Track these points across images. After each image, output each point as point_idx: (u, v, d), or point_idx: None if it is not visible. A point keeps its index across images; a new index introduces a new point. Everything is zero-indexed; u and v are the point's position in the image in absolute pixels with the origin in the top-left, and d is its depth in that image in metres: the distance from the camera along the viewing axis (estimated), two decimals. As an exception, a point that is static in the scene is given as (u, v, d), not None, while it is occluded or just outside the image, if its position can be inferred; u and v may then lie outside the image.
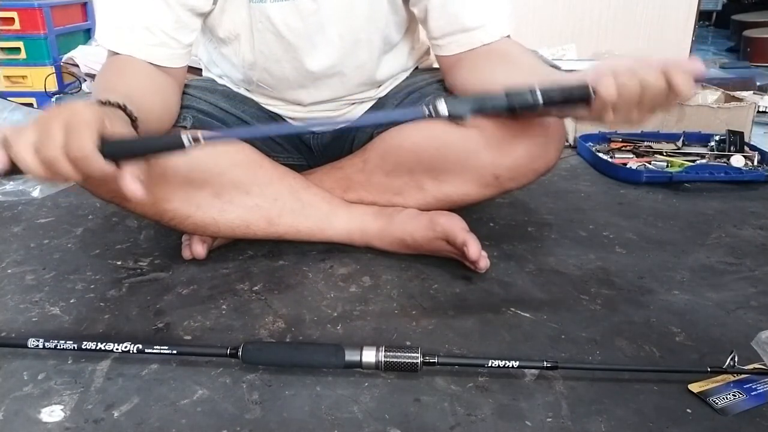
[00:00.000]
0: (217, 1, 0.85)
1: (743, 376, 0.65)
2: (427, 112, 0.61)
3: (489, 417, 0.60)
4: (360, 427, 0.59)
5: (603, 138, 1.48)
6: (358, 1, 0.86)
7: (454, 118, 0.62)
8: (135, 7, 0.79)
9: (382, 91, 0.99)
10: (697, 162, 1.35)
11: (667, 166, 1.34)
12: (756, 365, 0.66)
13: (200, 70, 1.07)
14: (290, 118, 1.00)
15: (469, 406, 0.62)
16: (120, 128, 0.61)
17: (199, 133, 0.60)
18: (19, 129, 0.57)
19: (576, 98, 0.61)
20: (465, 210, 0.92)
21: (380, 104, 0.99)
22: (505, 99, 0.61)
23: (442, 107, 0.61)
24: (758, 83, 1.98)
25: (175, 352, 0.67)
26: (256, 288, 0.85)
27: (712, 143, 1.40)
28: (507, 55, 0.83)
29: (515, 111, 0.62)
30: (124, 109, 0.65)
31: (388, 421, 0.60)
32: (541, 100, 0.61)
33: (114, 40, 0.79)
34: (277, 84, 0.93)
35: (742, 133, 1.40)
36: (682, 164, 1.33)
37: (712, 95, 1.62)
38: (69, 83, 1.82)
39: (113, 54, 0.81)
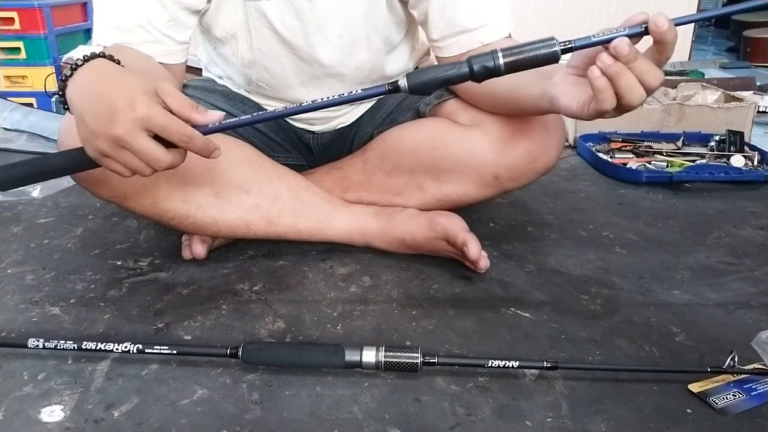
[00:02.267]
0: None
1: (743, 376, 0.65)
2: (387, 88, 0.61)
3: (489, 417, 0.60)
4: (360, 427, 0.59)
5: (603, 138, 1.48)
6: (355, 1, 0.86)
7: (415, 90, 0.61)
8: (130, 7, 0.79)
9: (382, 91, 0.99)
10: (697, 162, 1.35)
11: (667, 166, 1.34)
12: (756, 365, 0.66)
13: (200, 70, 1.07)
14: (291, 118, 1.00)
15: (469, 406, 0.62)
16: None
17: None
18: (122, 157, 0.61)
19: (542, 57, 0.58)
20: (465, 210, 0.92)
21: (380, 103, 0.99)
22: (467, 65, 0.60)
23: (402, 81, 0.60)
24: (758, 83, 1.98)
25: (175, 352, 0.67)
26: (256, 288, 0.85)
27: (712, 143, 1.40)
28: None
29: (477, 77, 0.60)
30: (110, 58, 0.66)
31: (388, 421, 0.60)
32: (502, 62, 0.58)
33: (110, 38, 0.79)
34: (277, 83, 0.93)
35: (742, 133, 1.40)
36: (682, 164, 1.33)
37: (712, 95, 1.62)
38: (69, 83, 1.81)
39: None
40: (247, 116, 0.66)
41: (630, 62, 0.57)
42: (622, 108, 0.61)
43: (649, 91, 0.59)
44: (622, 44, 0.56)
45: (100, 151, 0.61)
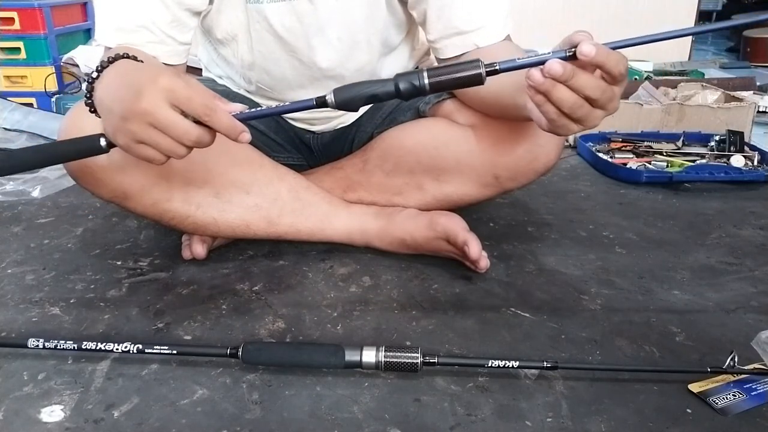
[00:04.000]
0: (213, 1, 0.85)
1: (743, 376, 0.65)
2: (315, 102, 0.62)
3: (489, 417, 0.60)
4: (360, 427, 0.59)
5: (603, 138, 1.48)
6: (356, 3, 0.86)
7: (342, 106, 0.61)
8: (133, 7, 0.79)
9: (382, 92, 0.99)
10: (697, 162, 1.35)
11: (667, 166, 1.34)
12: (756, 365, 0.66)
13: (200, 70, 1.07)
14: (290, 118, 1.00)
15: (469, 406, 0.62)
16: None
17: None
18: (145, 132, 0.60)
19: (466, 79, 0.59)
20: (465, 210, 0.92)
21: (380, 104, 0.99)
22: (392, 84, 0.60)
23: (330, 96, 0.61)
24: (758, 83, 1.98)
25: (175, 352, 0.67)
26: (256, 288, 0.85)
27: (712, 143, 1.40)
28: (502, 58, 0.83)
29: (403, 95, 0.61)
30: (133, 57, 0.67)
31: (388, 421, 0.60)
32: (427, 82, 0.60)
33: (114, 38, 0.79)
34: (276, 84, 0.93)
35: (742, 133, 1.40)
36: (682, 164, 1.33)
37: (712, 95, 1.62)
38: (69, 83, 1.81)
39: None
40: (268, 108, 0.65)
41: (567, 80, 0.57)
42: (575, 121, 0.60)
43: (595, 103, 0.59)
44: (554, 66, 0.56)
45: (131, 135, 0.60)
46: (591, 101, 0.58)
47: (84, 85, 0.67)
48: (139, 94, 0.59)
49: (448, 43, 0.86)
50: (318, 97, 0.62)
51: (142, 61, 0.68)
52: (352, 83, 0.62)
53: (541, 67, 0.57)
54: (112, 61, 0.66)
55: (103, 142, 0.64)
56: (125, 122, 0.60)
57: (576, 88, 0.57)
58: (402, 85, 0.60)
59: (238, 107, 0.62)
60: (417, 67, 1.03)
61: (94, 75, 0.66)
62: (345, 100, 0.61)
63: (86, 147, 0.65)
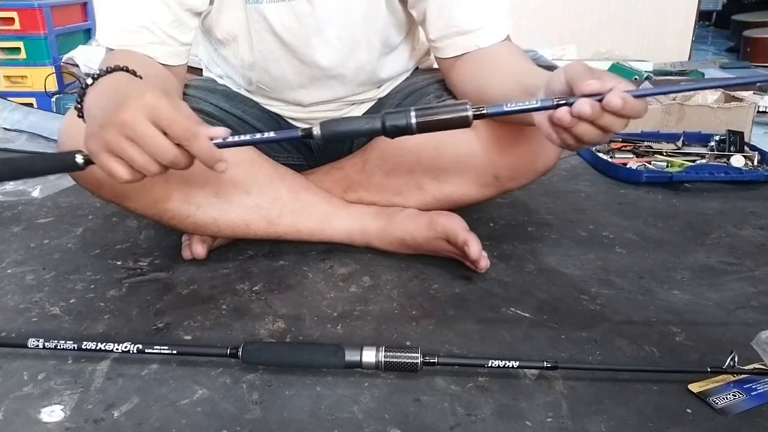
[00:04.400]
0: (214, 1, 0.85)
1: (743, 376, 0.65)
2: (300, 133, 0.62)
3: (489, 417, 0.60)
4: (360, 427, 0.59)
5: (603, 138, 1.48)
6: (355, 3, 0.86)
7: (327, 139, 0.62)
8: (134, 7, 0.79)
9: (383, 92, 1.00)
10: (697, 162, 1.35)
11: (667, 166, 1.34)
12: (756, 365, 0.66)
13: (200, 70, 1.07)
14: (291, 118, 1.00)
15: (469, 406, 0.62)
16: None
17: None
18: (115, 141, 0.58)
19: (453, 121, 0.60)
20: (465, 210, 0.92)
21: (380, 104, 0.99)
22: (380, 122, 0.61)
23: (316, 130, 0.61)
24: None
25: (175, 352, 0.67)
26: (256, 288, 0.85)
27: (712, 143, 1.40)
28: (502, 59, 0.83)
29: (389, 133, 0.61)
30: (132, 72, 0.67)
31: (388, 421, 0.60)
32: (414, 122, 0.60)
33: (115, 39, 0.79)
34: (277, 84, 0.93)
35: (742, 133, 1.40)
36: (682, 164, 1.33)
37: (712, 95, 1.62)
38: (69, 83, 1.82)
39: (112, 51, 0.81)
40: (252, 136, 0.64)
41: (595, 119, 0.57)
42: (588, 144, 0.62)
43: (615, 132, 0.60)
44: (584, 108, 0.56)
45: (103, 143, 0.58)
46: (607, 130, 0.59)
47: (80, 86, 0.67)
48: (122, 105, 0.58)
49: (450, 42, 0.86)
50: (304, 129, 0.62)
51: (140, 77, 0.67)
52: (339, 118, 0.63)
53: (568, 108, 0.58)
54: (110, 71, 0.66)
55: (79, 159, 0.62)
56: (101, 129, 0.58)
57: (601, 125, 0.58)
58: (389, 124, 0.61)
59: (222, 132, 0.61)
60: (417, 68, 1.03)
61: (89, 81, 0.66)
62: (330, 135, 0.61)
63: (62, 164, 0.65)
